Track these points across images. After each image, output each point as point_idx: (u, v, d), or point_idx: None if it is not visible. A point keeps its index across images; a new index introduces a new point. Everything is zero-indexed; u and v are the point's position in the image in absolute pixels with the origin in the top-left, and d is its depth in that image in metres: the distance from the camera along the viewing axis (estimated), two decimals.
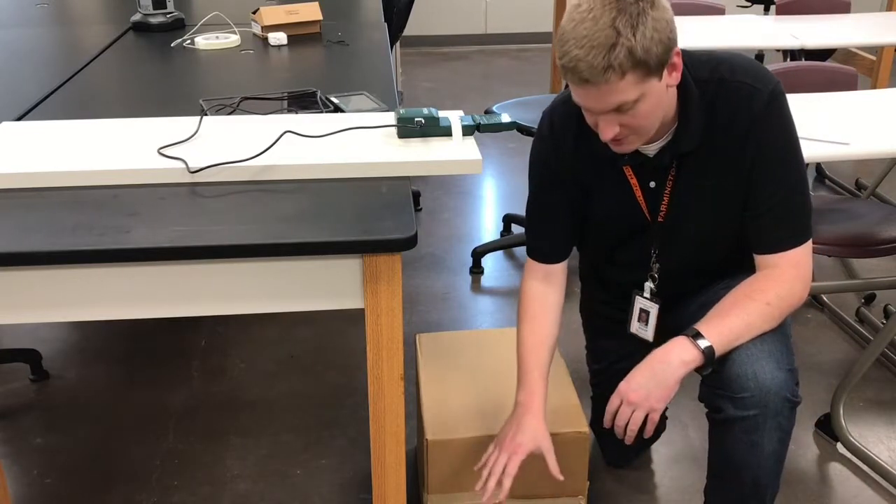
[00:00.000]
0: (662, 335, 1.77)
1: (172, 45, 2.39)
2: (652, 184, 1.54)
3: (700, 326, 1.44)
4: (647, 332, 1.73)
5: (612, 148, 1.45)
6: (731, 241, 1.59)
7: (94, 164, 1.43)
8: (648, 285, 1.68)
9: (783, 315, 1.48)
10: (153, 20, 2.55)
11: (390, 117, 1.64)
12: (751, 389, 1.42)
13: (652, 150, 1.50)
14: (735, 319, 1.44)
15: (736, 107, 1.45)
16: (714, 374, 1.45)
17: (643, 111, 1.35)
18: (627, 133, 1.39)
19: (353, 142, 1.53)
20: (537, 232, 1.67)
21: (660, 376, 1.42)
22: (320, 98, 1.82)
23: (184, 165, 1.43)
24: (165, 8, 2.58)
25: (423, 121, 1.53)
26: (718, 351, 1.42)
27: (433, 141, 1.54)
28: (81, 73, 2.13)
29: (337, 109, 1.76)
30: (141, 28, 2.57)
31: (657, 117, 1.40)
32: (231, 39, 2.39)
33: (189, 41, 2.40)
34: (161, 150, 1.49)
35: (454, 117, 1.58)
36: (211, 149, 1.50)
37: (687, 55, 1.44)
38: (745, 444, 1.46)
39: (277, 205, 1.34)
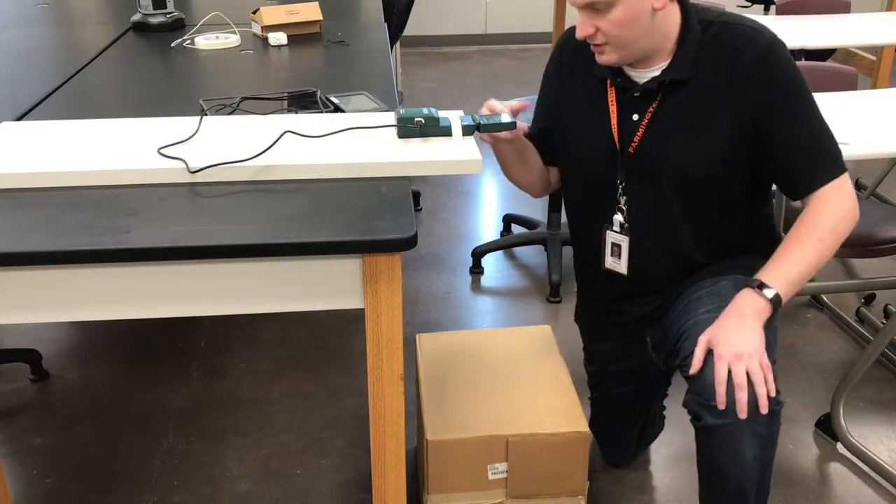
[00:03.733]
0: (652, 343, 1.75)
1: (172, 45, 2.39)
2: (635, 116, 1.58)
3: (762, 276, 1.46)
4: (621, 265, 1.69)
5: (596, 57, 1.53)
6: (707, 193, 1.58)
7: (94, 164, 1.43)
8: (617, 218, 1.65)
9: (840, 241, 1.50)
10: (153, 20, 2.56)
11: (390, 117, 1.64)
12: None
13: (644, 77, 1.55)
14: (793, 263, 1.47)
15: (738, 46, 1.50)
16: (693, 380, 1.44)
17: (617, 19, 1.44)
18: (604, 41, 1.48)
19: (353, 142, 1.53)
20: (534, 127, 1.77)
21: (748, 326, 1.41)
22: (320, 98, 1.82)
23: (184, 165, 1.43)
24: (165, 8, 2.58)
25: (422, 121, 1.53)
26: (784, 298, 1.44)
27: (433, 141, 1.54)
28: (81, 73, 2.13)
29: (337, 109, 1.76)
30: (141, 28, 2.57)
31: (634, 34, 1.47)
32: (231, 39, 2.39)
33: (189, 41, 2.40)
34: (161, 150, 1.48)
35: (454, 117, 1.58)
36: (211, 149, 1.50)
37: (694, 5, 1.53)
38: (726, 451, 1.43)
39: (277, 205, 1.34)
